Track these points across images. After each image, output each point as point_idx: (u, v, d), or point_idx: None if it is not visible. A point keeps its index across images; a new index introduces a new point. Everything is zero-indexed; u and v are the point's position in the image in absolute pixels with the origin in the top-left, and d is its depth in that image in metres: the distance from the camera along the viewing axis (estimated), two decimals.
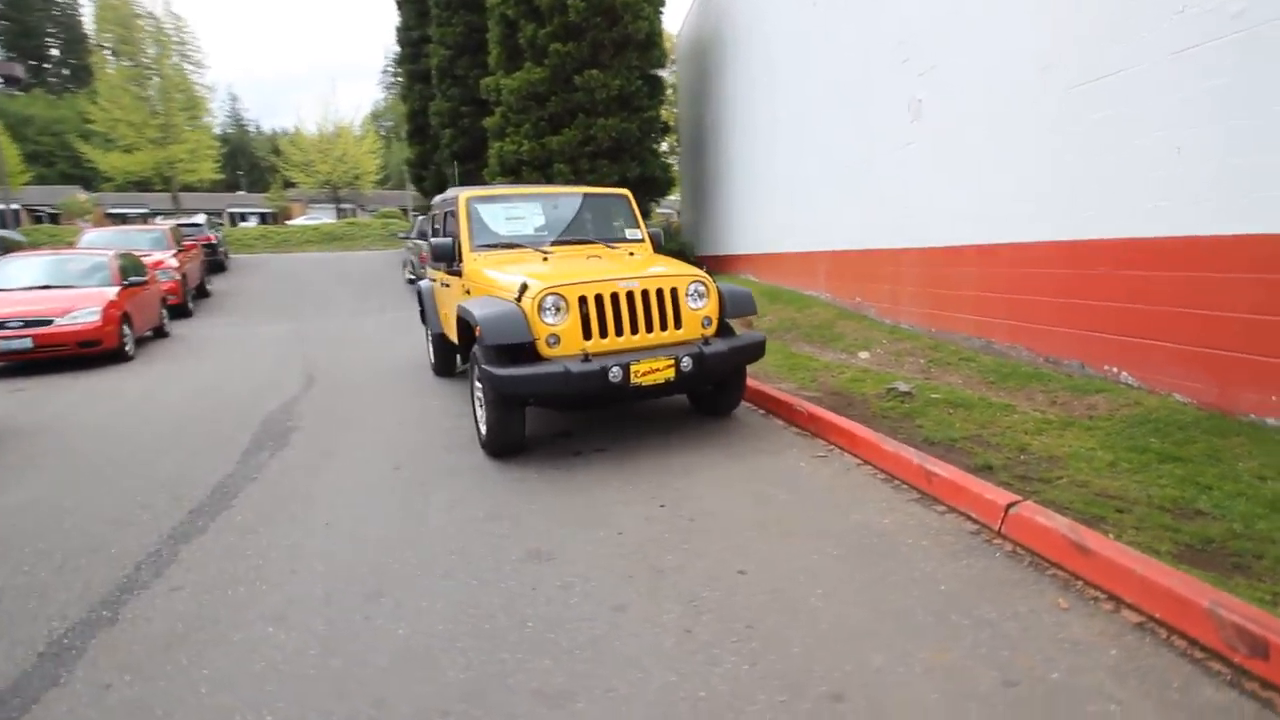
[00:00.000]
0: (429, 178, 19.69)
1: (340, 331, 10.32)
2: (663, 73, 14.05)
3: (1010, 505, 2.84)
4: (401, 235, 17.15)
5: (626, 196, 5.58)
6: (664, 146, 15.74)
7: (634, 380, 3.85)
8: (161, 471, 4.25)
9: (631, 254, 5.03)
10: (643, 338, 4.08)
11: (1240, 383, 3.66)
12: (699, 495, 3.47)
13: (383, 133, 52.76)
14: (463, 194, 5.16)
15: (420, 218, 14.90)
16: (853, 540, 2.90)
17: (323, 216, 41.56)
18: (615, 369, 3.79)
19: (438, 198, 6.31)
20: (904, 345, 6.33)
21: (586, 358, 3.82)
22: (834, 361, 6.14)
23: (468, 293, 4.82)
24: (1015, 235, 5.32)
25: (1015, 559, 2.68)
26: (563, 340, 3.91)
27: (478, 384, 4.34)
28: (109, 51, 29.09)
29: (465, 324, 4.43)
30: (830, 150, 8.42)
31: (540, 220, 5.27)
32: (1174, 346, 4.06)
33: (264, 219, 46.06)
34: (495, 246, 5.00)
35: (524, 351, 3.95)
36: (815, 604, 2.41)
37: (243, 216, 47.50)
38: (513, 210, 5.26)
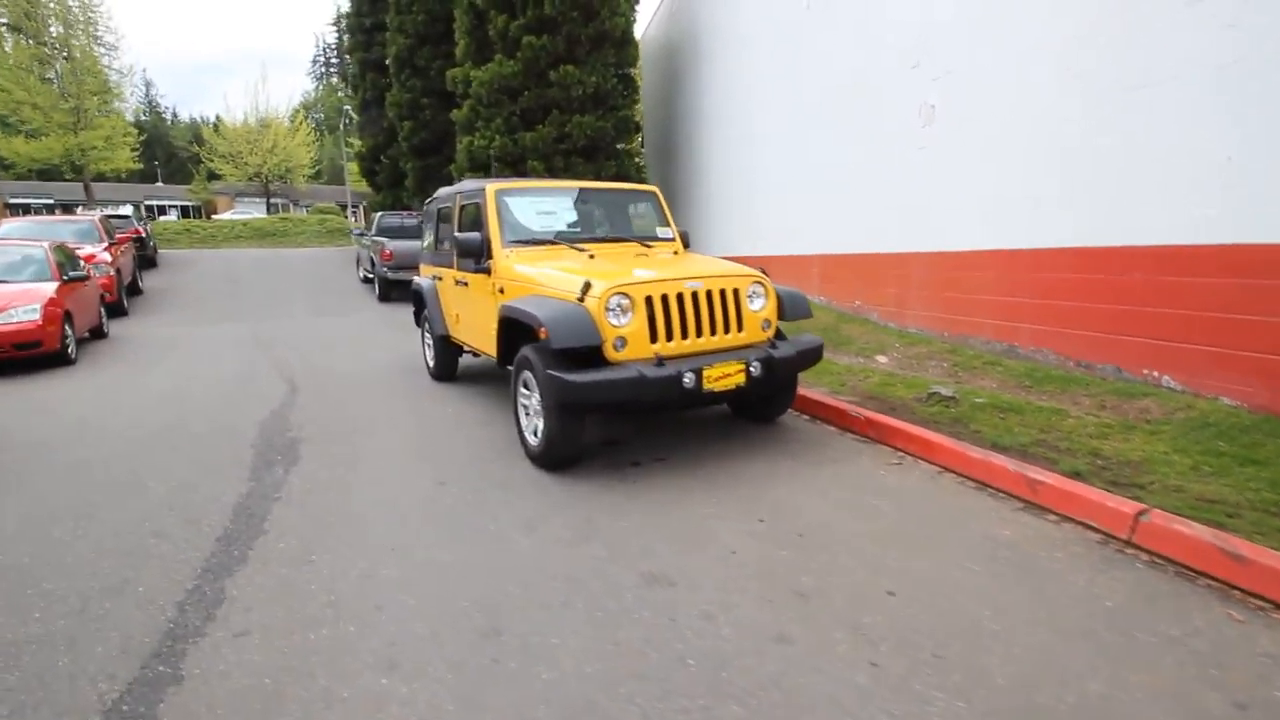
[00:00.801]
0: (382, 171, 18.76)
1: (303, 334, 9.61)
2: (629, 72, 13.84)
3: (1140, 514, 2.77)
4: (356, 232, 16.26)
5: (656, 194, 5.34)
6: (630, 146, 15.51)
7: (706, 385, 3.63)
8: (160, 492, 3.72)
9: (675, 253, 4.81)
10: (707, 340, 3.87)
11: None
12: (795, 508, 3.27)
13: (313, 125, 50.36)
14: (490, 186, 4.80)
15: (380, 214, 14.12)
16: (985, 554, 2.77)
17: (252, 211, 39.31)
18: (689, 374, 3.56)
19: (444, 190, 5.89)
20: (919, 349, 6.35)
21: (660, 362, 3.57)
22: (854, 365, 6.08)
23: (500, 291, 4.48)
24: (1042, 240, 5.38)
25: (1158, 569, 2.61)
26: (629, 343, 3.65)
27: (524, 390, 4.02)
28: (5, 27, 26.41)
29: (514, 325, 4.09)
30: (825, 154, 8.41)
31: (572, 216, 4.97)
32: (1221, 351, 4.15)
33: (186, 212, 43.20)
34: (527, 243, 4.67)
35: (582, 355, 3.66)
36: (992, 626, 2.25)
37: (161, 209, 44.33)
38: (542, 204, 4.93)
